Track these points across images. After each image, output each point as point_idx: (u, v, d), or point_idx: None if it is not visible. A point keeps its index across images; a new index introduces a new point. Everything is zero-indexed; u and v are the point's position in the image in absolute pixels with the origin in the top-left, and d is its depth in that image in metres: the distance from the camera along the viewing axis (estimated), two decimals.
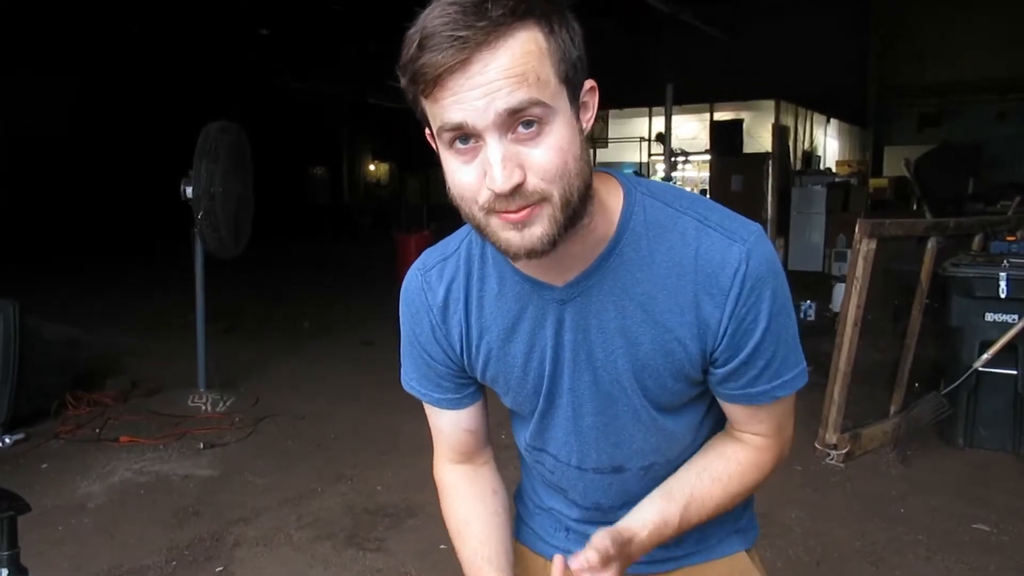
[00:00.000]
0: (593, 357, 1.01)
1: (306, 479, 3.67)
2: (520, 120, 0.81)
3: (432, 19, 0.80)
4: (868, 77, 15.05)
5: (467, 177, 0.85)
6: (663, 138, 10.36)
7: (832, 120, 15.19)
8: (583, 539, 1.18)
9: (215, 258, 4.67)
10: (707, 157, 13.11)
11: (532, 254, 0.87)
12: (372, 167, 21.83)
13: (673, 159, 11.21)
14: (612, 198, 0.98)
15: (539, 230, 0.85)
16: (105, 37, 13.00)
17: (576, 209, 0.87)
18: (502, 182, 0.81)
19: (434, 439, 1.20)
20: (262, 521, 3.23)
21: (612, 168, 1.06)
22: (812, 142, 14.32)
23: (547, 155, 0.83)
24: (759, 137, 12.85)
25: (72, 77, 14.06)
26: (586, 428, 1.07)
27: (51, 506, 3.35)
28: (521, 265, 0.98)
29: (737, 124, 12.54)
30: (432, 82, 0.81)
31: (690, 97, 11.42)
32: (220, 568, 2.86)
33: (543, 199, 0.84)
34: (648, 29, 11.47)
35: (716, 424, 1.14)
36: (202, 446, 4.08)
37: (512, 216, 0.85)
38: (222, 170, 4.44)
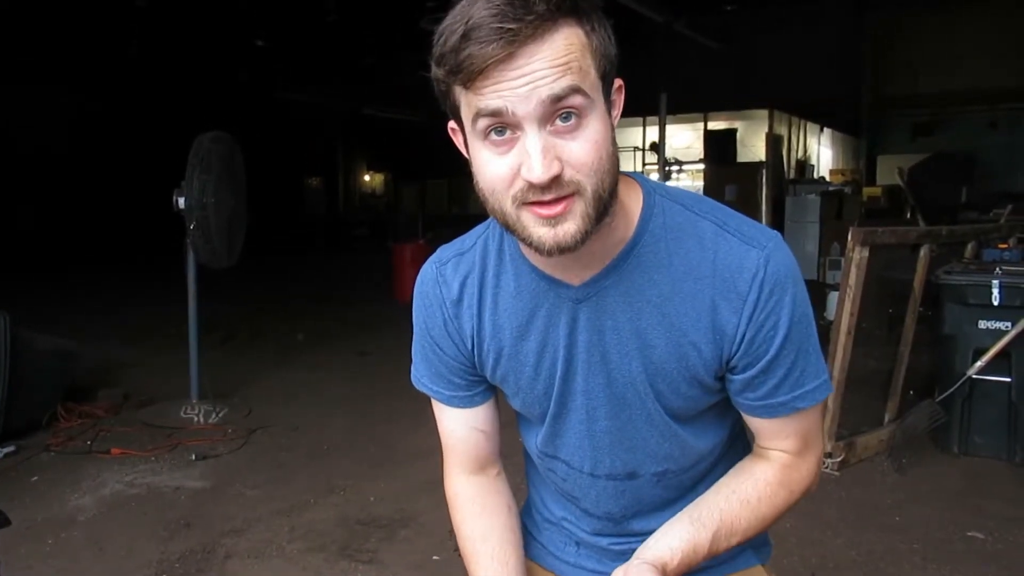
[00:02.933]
0: (607, 358, 1.00)
1: (299, 490, 3.64)
2: (560, 111, 0.82)
3: (478, 11, 0.79)
4: (861, 87, 15.11)
5: (501, 169, 0.85)
6: (657, 147, 10.39)
7: (825, 129, 15.27)
8: (595, 552, 1.16)
9: (209, 269, 4.65)
10: (701, 166, 13.17)
11: (564, 250, 0.87)
12: (367, 177, 21.83)
13: (667, 168, 11.25)
14: (632, 200, 0.98)
15: (572, 227, 0.85)
16: (102, 49, 13.02)
17: (606, 204, 0.87)
18: (541, 172, 0.81)
19: (445, 449, 1.17)
20: (254, 533, 3.21)
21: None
22: (806, 151, 14.38)
23: (584, 148, 0.83)
24: (753, 146, 12.92)
25: (68, 88, 14.07)
26: (600, 432, 1.05)
27: (41, 519, 3.32)
28: (539, 263, 0.98)
29: (731, 133, 12.60)
30: (476, 73, 0.80)
31: (684, 107, 11.48)
32: None
33: (576, 192, 0.84)
34: (641, 39, 11.50)
35: (737, 440, 1.13)
36: (194, 457, 4.05)
37: (546, 211, 0.84)
38: (215, 180, 4.43)
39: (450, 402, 1.12)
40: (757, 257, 0.94)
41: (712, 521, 1.02)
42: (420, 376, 1.13)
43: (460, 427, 1.13)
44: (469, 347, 1.07)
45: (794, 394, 0.97)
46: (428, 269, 1.10)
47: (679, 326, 0.96)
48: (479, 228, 1.07)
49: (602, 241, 0.94)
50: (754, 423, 1.03)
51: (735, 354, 0.96)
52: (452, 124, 0.91)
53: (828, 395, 1.01)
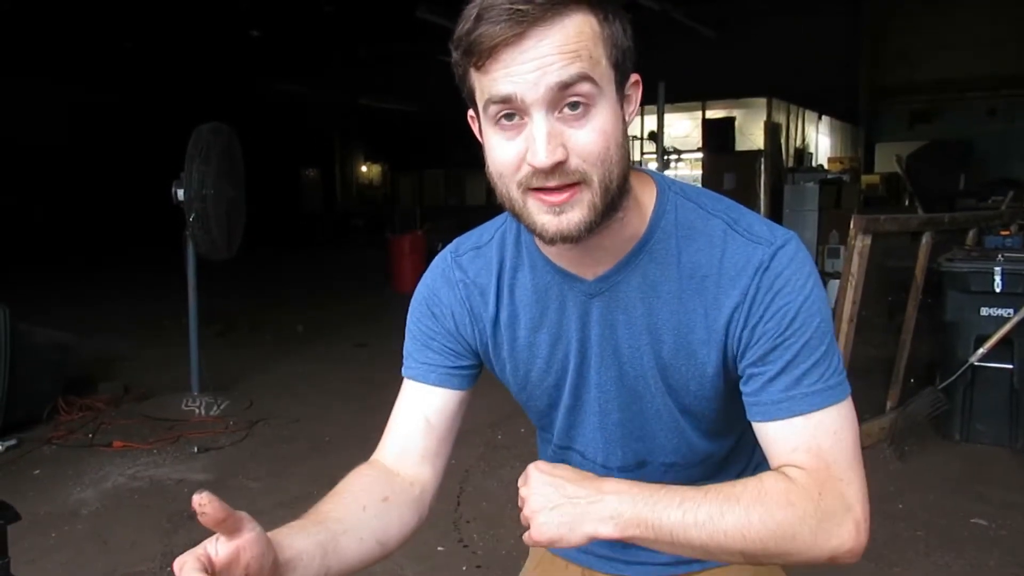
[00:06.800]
0: (619, 352, 1.00)
1: (301, 482, 3.64)
2: (568, 98, 0.82)
3: None
4: (859, 75, 15.08)
5: (508, 153, 0.85)
6: (655, 136, 10.35)
7: (824, 117, 15.22)
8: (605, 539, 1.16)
9: (208, 262, 4.64)
10: (699, 155, 13.14)
11: (567, 239, 0.86)
12: (364, 168, 21.78)
13: (666, 157, 11.22)
14: (646, 196, 0.97)
15: (577, 215, 0.85)
16: (99, 42, 12.96)
17: (615, 197, 0.87)
18: (545, 157, 0.81)
19: (383, 436, 1.07)
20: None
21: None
22: (804, 139, 14.34)
23: (591, 137, 0.83)
24: (751, 135, 12.88)
25: (66, 81, 14.02)
26: (612, 425, 1.05)
27: (44, 512, 3.32)
28: (553, 256, 0.98)
29: (729, 122, 12.55)
30: (486, 53, 0.81)
31: (682, 95, 11.43)
32: None
33: (582, 181, 0.84)
34: (639, 27, 11.49)
35: (744, 444, 1.10)
36: (196, 450, 4.05)
37: (551, 199, 0.84)
38: (214, 172, 4.41)
39: (416, 372, 1.06)
40: (763, 253, 0.92)
41: (701, 490, 0.87)
42: (407, 354, 1.09)
43: (408, 409, 1.06)
44: (472, 333, 1.06)
45: (791, 393, 0.90)
46: (444, 256, 1.09)
47: (686, 323, 0.96)
48: (497, 220, 1.07)
49: (613, 236, 0.94)
50: (762, 438, 0.94)
51: (740, 347, 0.94)
52: (471, 112, 0.91)
53: (838, 403, 0.90)
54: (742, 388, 0.96)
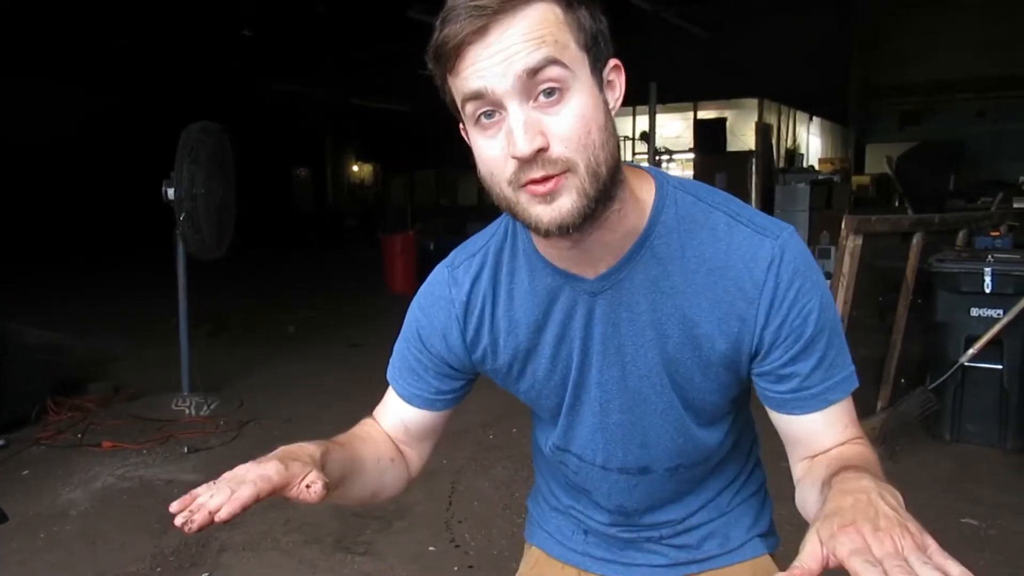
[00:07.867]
0: (623, 351, 0.99)
1: None
2: (540, 86, 0.81)
3: None
4: (850, 76, 15.14)
5: (493, 151, 0.84)
6: (647, 137, 10.36)
7: (814, 118, 15.29)
8: (603, 540, 1.15)
9: (199, 262, 4.62)
10: (691, 156, 13.17)
11: (563, 228, 0.85)
12: (356, 168, 21.74)
13: (657, 158, 11.24)
14: (644, 191, 0.97)
15: (567, 202, 0.84)
16: (89, 40, 12.90)
17: (606, 184, 0.85)
18: (523, 146, 0.80)
19: (381, 405, 1.17)
20: (248, 526, 3.19)
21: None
22: (795, 140, 14.40)
23: (569, 121, 0.82)
24: (742, 135, 12.92)
25: (55, 80, 13.94)
26: (612, 425, 1.05)
27: (32, 513, 3.30)
28: (553, 258, 0.97)
29: (720, 123, 12.60)
30: (453, 53, 0.82)
31: (674, 96, 11.46)
32: (206, 574, 2.82)
33: (568, 168, 0.83)
34: (630, 27, 11.51)
35: (744, 435, 1.13)
36: (186, 450, 4.03)
37: (539, 188, 0.83)
38: (204, 171, 4.39)
39: (401, 391, 1.13)
40: (771, 247, 0.93)
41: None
42: (391, 367, 1.14)
43: (392, 411, 1.14)
44: (472, 351, 1.06)
45: (826, 384, 0.95)
46: (440, 271, 1.08)
47: (692, 318, 0.95)
48: (489, 228, 1.06)
49: (612, 231, 0.92)
50: (796, 427, 0.98)
51: (761, 346, 0.95)
52: (461, 125, 0.91)
53: (855, 387, 0.98)
54: (770, 386, 0.97)
